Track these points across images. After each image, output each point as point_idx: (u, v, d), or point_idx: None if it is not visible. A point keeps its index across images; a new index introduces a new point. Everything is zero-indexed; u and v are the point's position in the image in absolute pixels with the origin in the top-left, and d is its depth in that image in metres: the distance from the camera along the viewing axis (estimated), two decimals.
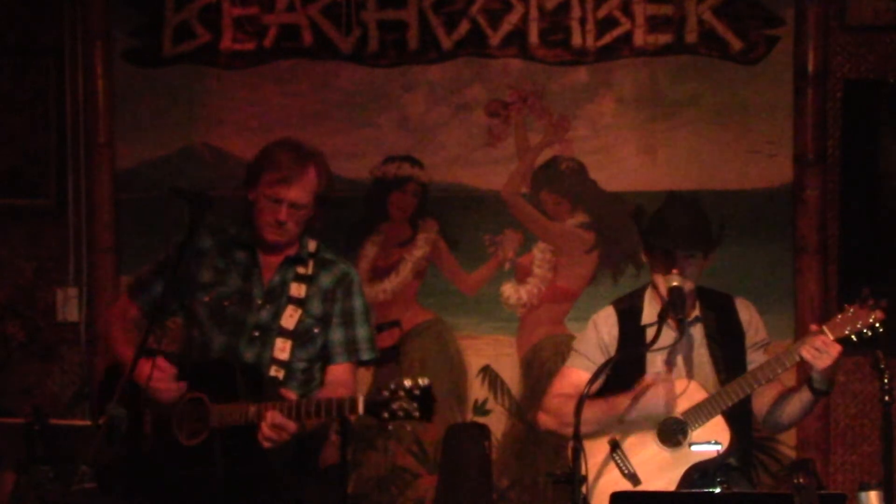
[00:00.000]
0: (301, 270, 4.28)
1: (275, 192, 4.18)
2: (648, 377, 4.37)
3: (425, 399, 3.84)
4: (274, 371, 4.19)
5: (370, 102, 6.05)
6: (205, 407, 4.07)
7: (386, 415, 3.86)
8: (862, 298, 4.19)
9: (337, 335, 4.31)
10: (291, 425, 3.99)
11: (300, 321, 4.24)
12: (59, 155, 6.18)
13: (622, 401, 4.35)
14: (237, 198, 4.47)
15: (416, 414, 3.84)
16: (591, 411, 4.21)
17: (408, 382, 3.87)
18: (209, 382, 4.10)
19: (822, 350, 4.16)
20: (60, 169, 6.18)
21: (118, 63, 6.16)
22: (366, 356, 4.38)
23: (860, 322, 4.16)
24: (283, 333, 4.21)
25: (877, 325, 4.15)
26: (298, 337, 4.23)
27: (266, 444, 4.00)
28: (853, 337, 4.17)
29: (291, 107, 6.09)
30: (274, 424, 3.96)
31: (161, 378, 4.06)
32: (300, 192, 4.20)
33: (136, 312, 4.34)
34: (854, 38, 5.73)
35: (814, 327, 4.25)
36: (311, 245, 4.33)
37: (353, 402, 3.92)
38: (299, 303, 4.25)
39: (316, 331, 4.27)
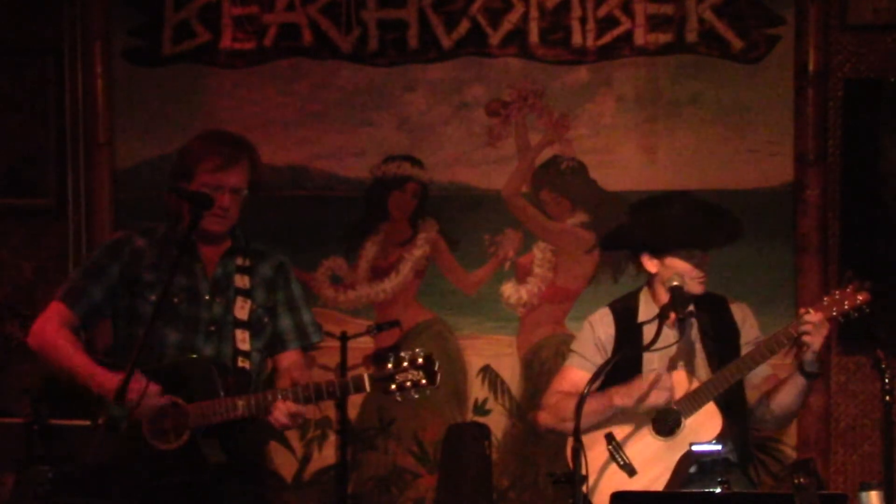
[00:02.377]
0: (240, 262, 4.26)
1: (216, 180, 4.13)
2: (649, 374, 4.38)
3: (429, 366, 3.96)
4: (241, 362, 4.17)
5: (370, 102, 6.05)
6: (181, 409, 4.04)
7: (394, 387, 3.96)
8: (846, 281, 4.26)
9: (286, 322, 4.31)
10: (305, 410, 4.07)
11: (252, 311, 4.23)
12: (59, 154, 6.18)
13: (619, 393, 4.36)
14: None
15: (424, 382, 3.96)
16: (590, 405, 4.21)
17: (406, 353, 3.98)
18: (179, 383, 4.05)
19: (817, 326, 4.20)
20: (60, 168, 6.18)
21: (118, 62, 6.16)
22: (315, 338, 4.39)
23: (847, 303, 4.21)
24: (240, 325, 4.20)
25: (864, 306, 4.20)
26: (253, 327, 4.22)
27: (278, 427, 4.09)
28: (841, 318, 4.23)
29: (291, 106, 6.09)
30: (290, 413, 4.02)
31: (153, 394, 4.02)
32: (239, 177, 4.17)
33: (75, 319, 4.21)
34: (855, 38, 5.73)
35: (802, 310, 4.30)
36: (242, 238, 4.32)
37: (360, 379, 4.00)
38: (247, 293, 4.23)
39: (265, 320, 4.27)
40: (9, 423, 4.24)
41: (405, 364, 3.96)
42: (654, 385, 4.35)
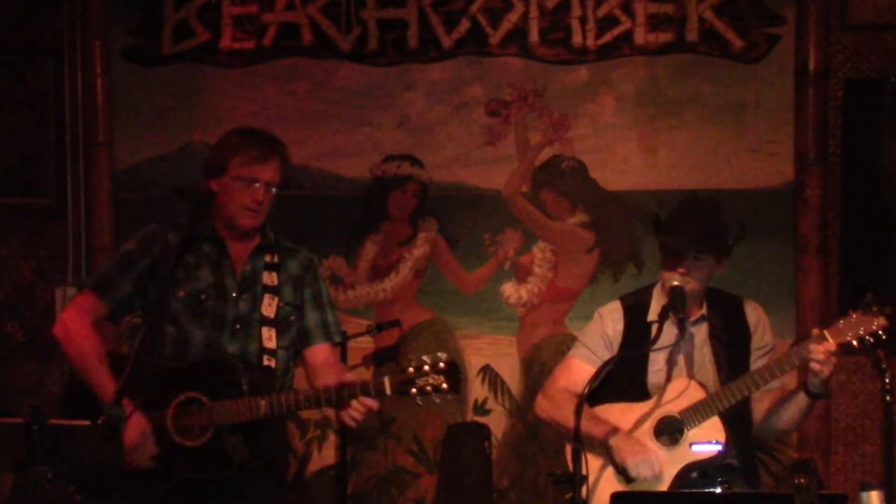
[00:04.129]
0: (269, 259, 4.26)
1: (251, 173, 4.14)
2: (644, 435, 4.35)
3: (452, 371, 3.92)
4: (266, 360, 4.17)
5: (370, 101, 6.05)
6: (204, 406, 4.04)
7: (414, 391, 3.92)
8: (866, 304, 4.12)
9: (312, 319, 4.31)
10: (376, 404, 4.05)
11: (279, 309, 4.22)
12: (58, 154, 6.17)
13: (607, 429, 4.34)
14: None
15: (445, 386, 3.90)
16: (586, 427, 4.16)
17: (429, 357, 3.93)
18: (203, 381, 4.06)
19: (823, 363, 4.14)
20: (59, 168, 6.17)
21: (117, 62, 6.16)
22: (337, 338, 4.40)
23: (863, 328, 4.09)
24: (266, 322, 4.19)
25: (880, 332, 4.08)
26: (279, 324, 4.21)
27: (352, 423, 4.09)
28: (854, 342, 4.12)
29: (291, 105, 6.08)
30: (369, 408, 4.02)
31: (142, 437, 4.00)
32: (273, 172, 4.19)
33: (105, 309, 4.23)
34: (855, 37, 5.72)
35: (816, 331, 4.21)
36: (272, 234, 4.32)
37: (381, 383, 3.97)
38: (274, 291, 4.22)
39: (292, 318, 4.26)
40: (8, 423, 4.23)
41: (426, 368, 3.91)
42: (646, 456, 4.29)
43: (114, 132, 6.15)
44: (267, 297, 4.21)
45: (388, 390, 3.96)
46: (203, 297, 4.17)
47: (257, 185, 4.15)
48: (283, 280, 4.26)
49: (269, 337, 4.19)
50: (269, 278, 4.24)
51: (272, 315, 4.21)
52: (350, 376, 4.08)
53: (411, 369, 3.93)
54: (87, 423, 3.99)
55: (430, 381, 3.91)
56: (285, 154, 4.27)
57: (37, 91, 6.19)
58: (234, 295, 4.20)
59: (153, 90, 6.16)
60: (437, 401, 3.95)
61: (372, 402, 4.02)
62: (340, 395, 4.03)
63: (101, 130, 6.13)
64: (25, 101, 6.20)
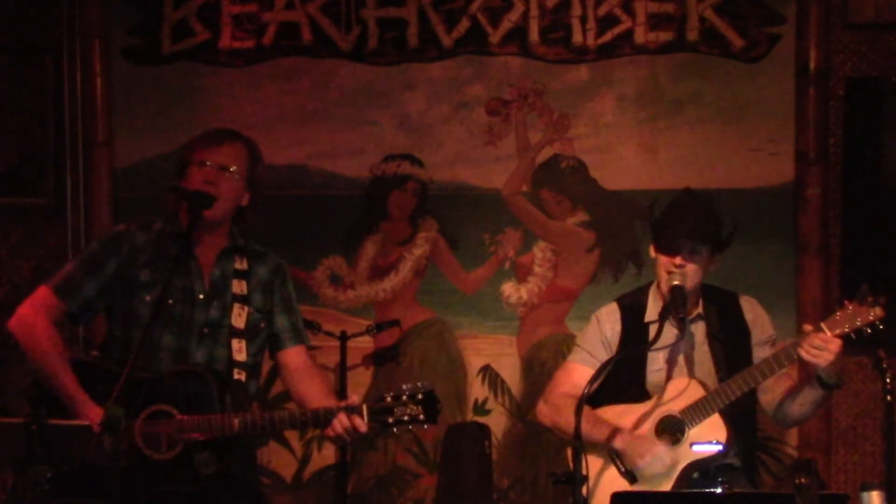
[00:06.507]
0: (238, 265, 4.20)
1: (202, 156, 4.11)
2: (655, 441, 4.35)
3: (429, 402, 3.89)
4: (237, 374, 4.11)
5: (370, 101, 6.04)
6: (174, 419, 3.98)
7: (391, 420, 3.90)
8: (861, 295, 4.14)
9: (282, 322, 4.26)
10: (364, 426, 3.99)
11: (249, 318, 4.17)
12: (58, 154, 6.17)
13: (622, 438, 4.33)
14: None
15: (422, 417, 3.89)
16: (587, 427, 4.15)
17: (408, 387, 3.90)
18: (174, 393, 4.00)
19: (820, 348, 4.13)
20: (58, 168, 6.16)
21: (117, 61, 6.15)
22: (306, 341, 4.35)
23: (859, 319, 4.11)
24: (237, 334, 4.13)
25: (877, 322, 4.10)
26: (249, 334, 4.16)
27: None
28: (852, 335, 4.13)
29: (291, 105, 6.08)
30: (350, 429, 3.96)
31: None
32: (227, 156, 4.13)
33: (62, 310, 4.17)
34: (856, 36, 5.72)
35: (807, 327, 4.21)
36: (240, 238, 4.26)
37: (358, 409, 3.93)
38: (244, 300, 4.17)
39: (262, 325, 4.21)
40: (8, 423, 4.22)
41: (404, 398, 3.89)
42: (655, 453, 4.31)
43: (113, 131, 6.14)
44: (237, 307, 4.15)
45: (365, 418, 3.93)
46: (171, 301, 4.10)
47: (208, 164, 4.11)
48: (253, 287, 4.21)
49: (240, 349, 4.13)
50: (239, 287, 4.18)
51: (242, 326, 4.15)
52: (333, 401, 4.04)
53: (389, 398, 3.91)
54: (86, 423, 3.98)
55: (408, 410, 3.88)
56: (252, 148, 4.22)
57: (36, 90, 6.18)
58: (200, 297, 4.14)
59: (153, 90, 6.15)
60: (412, 429, 3.92)
61: (360, 423, 3.95)
62: (317, 418, 3.99)
63: (100, 130, 6.12)
64: (24, 100, 6.19)
